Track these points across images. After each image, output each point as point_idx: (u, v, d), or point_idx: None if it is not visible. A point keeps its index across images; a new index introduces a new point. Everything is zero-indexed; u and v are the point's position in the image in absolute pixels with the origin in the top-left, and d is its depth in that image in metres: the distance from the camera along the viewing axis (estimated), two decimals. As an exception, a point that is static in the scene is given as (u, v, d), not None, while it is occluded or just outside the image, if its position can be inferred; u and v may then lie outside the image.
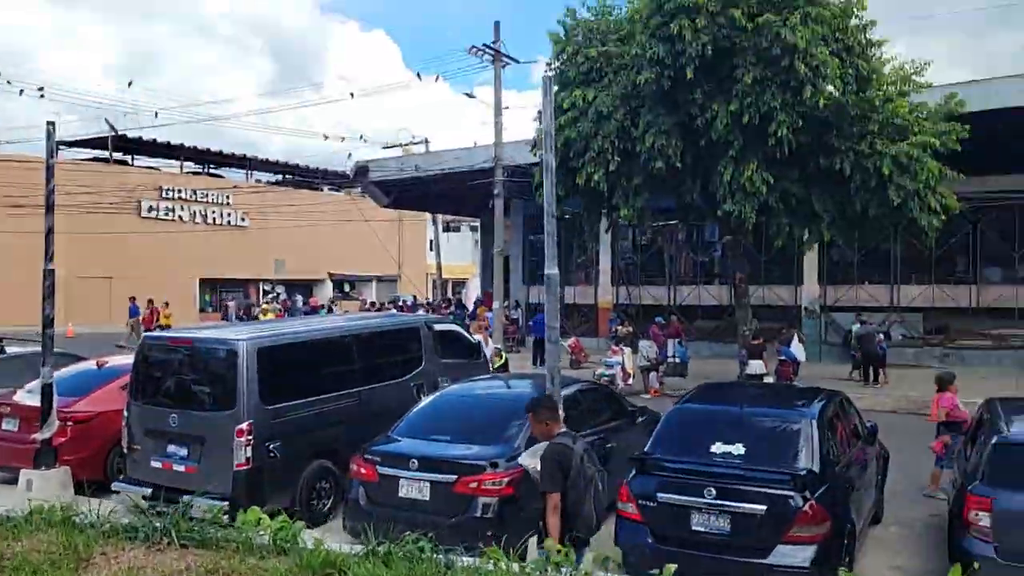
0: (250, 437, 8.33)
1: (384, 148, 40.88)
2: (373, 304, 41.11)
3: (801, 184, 17.44)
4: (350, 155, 75.11)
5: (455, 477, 7.37)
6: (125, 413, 9.29)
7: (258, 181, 51.09)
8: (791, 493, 6.40)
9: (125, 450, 9.27)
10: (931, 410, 10.68)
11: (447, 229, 58.61)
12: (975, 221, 23.96)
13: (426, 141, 41.08)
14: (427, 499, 7.45)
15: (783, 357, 18.59)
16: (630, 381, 19.33)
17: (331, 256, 50.36)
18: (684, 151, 16.91)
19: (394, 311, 29.46)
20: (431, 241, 48.30)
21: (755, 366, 18.44)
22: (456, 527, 7.03)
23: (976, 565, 5.10)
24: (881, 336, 20.72)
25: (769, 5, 15.98)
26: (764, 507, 6.39)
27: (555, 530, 5.62)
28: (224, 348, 8.84)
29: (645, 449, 7.32)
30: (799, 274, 26.09)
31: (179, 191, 45.03)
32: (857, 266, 25.86)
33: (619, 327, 28.95)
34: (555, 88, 18.90)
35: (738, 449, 6.91)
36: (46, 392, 9.70)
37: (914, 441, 11.31)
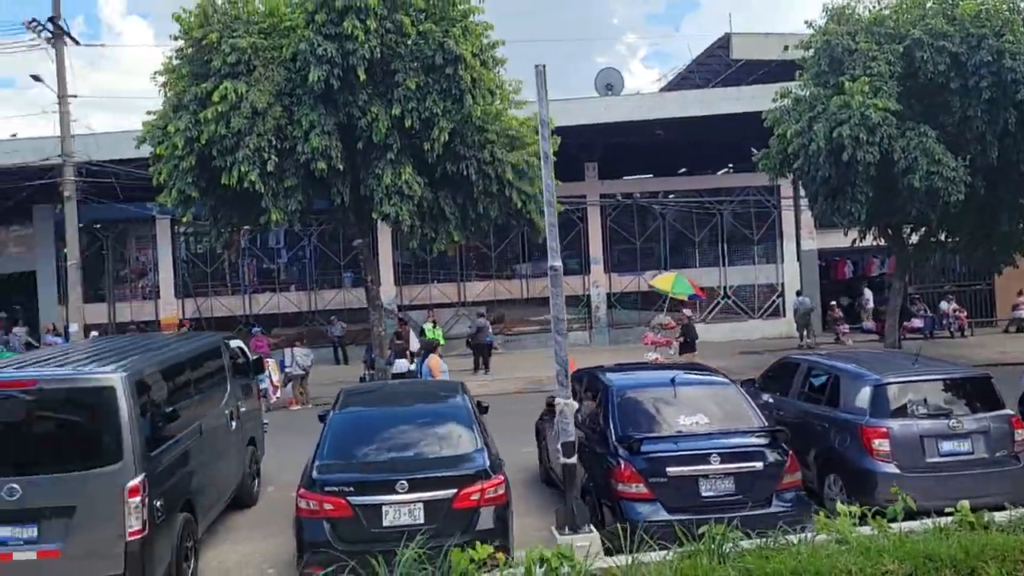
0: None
1: None
2: None
3: (430, 188, 18.48)
4: None
5: (454, 491, 6.77)
6: None
7: None
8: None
9: None
10: None
11: None
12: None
13: None
14: (420, 521, 6.68)
15: (424, 354, 19.54)
16: (278, 394, 18.38)
17: None
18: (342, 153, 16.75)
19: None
20: None
21: (400, 364, 19.04)
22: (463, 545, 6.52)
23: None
24: (489, 328, 22.93)
25: (426, 15, 16.70)
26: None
27: None
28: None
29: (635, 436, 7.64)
30: (376, 275, 27.14)
31: None
32: (428, 266, 27.85)
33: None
34: (183, 76, 17.03)
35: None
36: None
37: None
